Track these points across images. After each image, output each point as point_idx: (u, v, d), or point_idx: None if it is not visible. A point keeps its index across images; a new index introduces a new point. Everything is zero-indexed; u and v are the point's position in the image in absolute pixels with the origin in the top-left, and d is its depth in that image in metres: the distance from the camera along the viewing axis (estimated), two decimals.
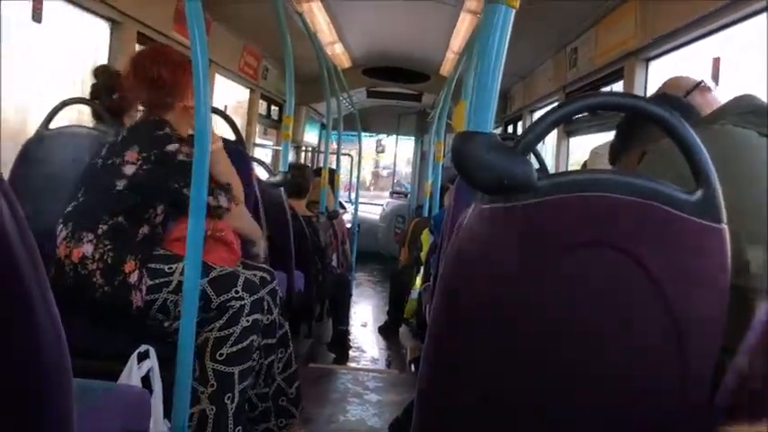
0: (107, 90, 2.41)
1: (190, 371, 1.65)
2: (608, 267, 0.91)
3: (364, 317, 5.59)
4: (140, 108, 2.07)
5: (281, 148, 3.98)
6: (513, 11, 0.89)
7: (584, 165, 2.92)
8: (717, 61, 2.49)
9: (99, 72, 2.51)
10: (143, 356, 1.67)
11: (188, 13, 1.53)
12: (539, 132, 0.88)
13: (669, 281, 0.91)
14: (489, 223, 0.90)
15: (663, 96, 1.59)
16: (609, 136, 1.66)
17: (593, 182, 0.88)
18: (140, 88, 1.98)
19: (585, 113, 4.02)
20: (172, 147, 1.87)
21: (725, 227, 0.89)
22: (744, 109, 1.26)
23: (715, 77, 2.47)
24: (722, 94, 1.61)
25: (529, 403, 0.95)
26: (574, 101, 0.91)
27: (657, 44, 2.97)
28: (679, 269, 0.91)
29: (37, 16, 2.53)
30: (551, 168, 4.18)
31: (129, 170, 1.84)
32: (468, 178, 0.88)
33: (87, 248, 1.81)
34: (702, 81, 1.69)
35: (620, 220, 0.89)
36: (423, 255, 4.33)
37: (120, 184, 1.84)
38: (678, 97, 1.55)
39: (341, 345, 4.16)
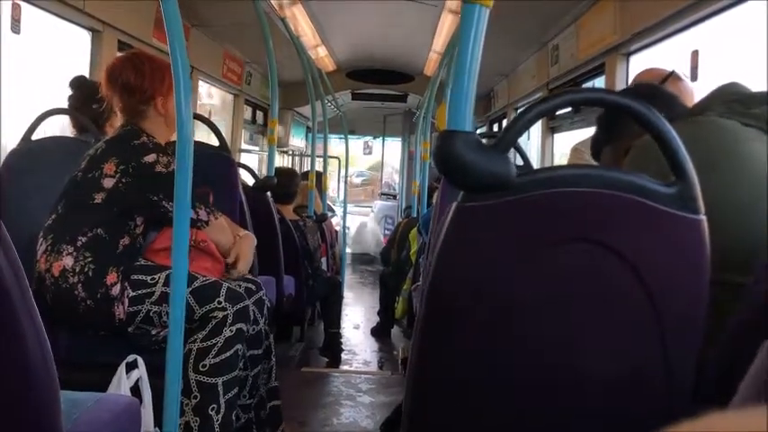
0: (86, 100, 2.40)
1: (179, 380, 1.64)
2: (588, 261, 0.92)
3: (356, 319, 5.59)
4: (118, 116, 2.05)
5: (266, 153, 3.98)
6: (488, 10, 0.90)
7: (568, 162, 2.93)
8: (695, 54, 2.51)
9: (74, 84, 2.49)
10: (131, 366, 1.66)
11: (165, 17, 1.52)
12: (516, 130, 0.89)
13: (650, 273, 0.91)
14: (469, 221, 0.91)
15: (646, 87, 1.60)
16: (591, 131, 1.67)
17: (571, 177, 0.89)
18: (114, 96, 1.96)
19: (568, 109, 4.05)
20: (149, 158, 1.84)
21: (703, 218, 0.90)
22: (730, 97, 1.25)
23: (694, 70, 2.49)
24: (701, 87, 1.63)
25: (515, 396, 0.95)
26: (550, 98, 0.92)
27: (637, 39, 3.00)
28: (659, 261, 0.92)
29: (15, 27, 2.51)
30: (537, 165, 4.21)
31: (107, 183, 1.82)
32: (448, 177, 0.89)
33: (68, 261, 1.79)
34: (674, 71, 1.71)
35: (599, 215, 0.90)
36: (412, 254, 4.33)
37: (99, 197, 1.82)
38: (658, 86, 1.56)
39: (333, 348, 4.16)
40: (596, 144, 1.53)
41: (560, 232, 0.90)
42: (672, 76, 1.69)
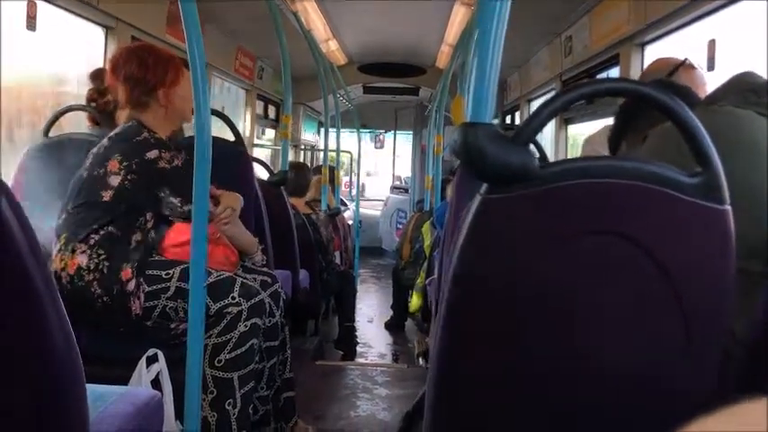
0: (101, 93, 2.41)
1: (199, 374, 1.65)
2: (611, 252, 0.91)
3: (370, 313, 5.60)
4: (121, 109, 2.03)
5: (279, 147, 3.99)
6: (509, 1, 0.90)
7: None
8: (712, 44, 2.49)
9: (94, 76, 2.51)
10: (151, 360, 1.68)
11: (183, 15, 1.53)
12: (539, 122, 0.88)
13: (674, 264, 0.91)
14: (493, 214, 0.90)
15: (659, 83, 1.59)
16: (604, 122, 1.66)
17: (594, 168, 0.88)
18: (118, 87, 1.96)
19: (582, 101, 4.02)
20: (151, 153, 1.85)
21: (728, 208, 0.89)
22: (744, 87, 1.25)
23: (711, 60, 2.47)
24: (718, 77, 1.61)
25: (541, 389, 0.95)
26: (572, 89, 0.91)
27: (652, 29, 2.97)
28: (683, 252, 0.91)
29: (31, 25, 2.53)
30: (551, 157, 4.19)
31: (113, 181, 1.83)
32: (470, 169, 0.88)
33: (82, 259, 1.80)
34: (686, 59, 1.69)
35: (622, 205, 0.90)
36: (426, 248, 4.33)
37: (107, 195, 1.83)
38: (669, 81, 1.55)
39: (348, 341, 4.18)
40: (615, 137, 1.52)
41: (584, 224, 0.90)
42: (683, 65, 1.67)
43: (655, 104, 0.91)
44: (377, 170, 13.02)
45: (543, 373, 0.95)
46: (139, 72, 1.93)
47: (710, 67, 2.44)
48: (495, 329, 0.95)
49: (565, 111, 4.41)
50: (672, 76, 1.63)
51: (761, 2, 2.12)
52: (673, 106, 0.89)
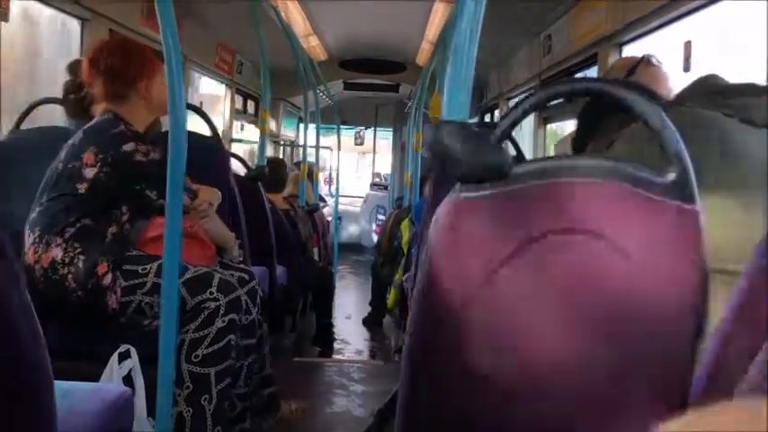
0: (78, 86, 2.37)
1: (172, 370, 1.64)
2: (584, 251, 0.92)
3: (348, 309, 5.60)
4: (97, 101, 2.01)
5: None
6: (484, 0, 0.90)
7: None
8: (688, 45, 2.51)
9: (71, 68, 2.47)
10: (124, 356, 1.66)
11: (159, 10, 1.51)
12: (512, 120, 0.88)
13: (646, 264, 0.92)
14: (466, 212, 0.90)
15: (621, 83, 1.59)
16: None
17: (567, 167, 0.88)
18: (95, 80, 1.94)
19: (561, 100, 4.05)
20: (127, 146, 1.83)
21: (698, 208, 0.90)
22: (709, 89, 1.26)
23: (687, 61, 2.49)
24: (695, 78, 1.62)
25: (516, 385, 0.96)
26: (545, 88, 0.91)
27: (630, 29, 2.99)
28: (655, 252, 0.92)
29: (3, 15, 2.48)
30: (530, 157, 4.20)
31: (89, 173, 1.81)
32: (443, 167, 0.88)
33: (57, 253, 1.78)
34: (643, 57, 1.70)
35: (595, 204, 0.90)
36: (404, 244, 4.34)
37: (82, 188, 1.80)
38: (626, 81, 1.55)
39: (325, 338, 4.17)
40: (579, 140, 1.52)
41: (557, 222, 0.90)
42: (642, 62, 1.68)
43: (623, 105, 0.91)
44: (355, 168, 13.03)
45: (516, 370, 0.96)
46: (121, 65, 1.92)
47: (686, 67, 2.47)
48: (467, 328, 0.95)
49: (544, 109, 4.44)
50: (633, 73, 1.64)
51: (736, 3, 2.15)
52: (642, 105, 0.90)
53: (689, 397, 0.94)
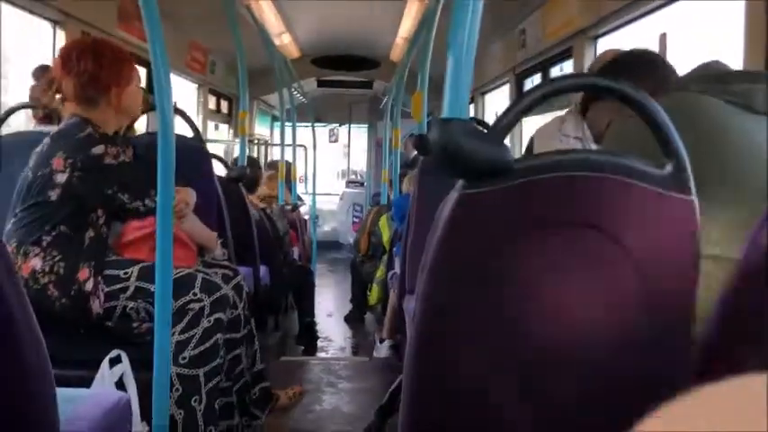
0: (49, 89, 2.33)
1: (168, 372, 1.63)
2: (584, 244, 0.94)
3: (329, 307, 5.59)
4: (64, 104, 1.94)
5: (234, 143, 3.94)
6: (482, 1, 0.91)
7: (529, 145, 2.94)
8: (663, 37, 2.56)
9: (38, 73, 2.42)
10: (114, 361, 1.65)
11: (144, 14, 1.50)
12: (513, 117, 0.90)
13: (643, 254, 0.94)
14: (470, 209, 0.92)
15: (643, 55, 1.58)
16: (553, 115, 1.69)
17: (569, 162, 0.90)
18: (67, 81, 1.89)
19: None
20: (97, 149, 1.78)
21: (694, 198, 0.93)
22: (710, 76, 1.26)
23: (662, 53, 2.53)
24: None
25: (518, 379, 0.97)
26: (547, 83, 0.93)
27: (604, 22, 3.04)
28: (652, 243, 0.94)
29: None
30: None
31: (60, 179, 1.77)
32: (448, 165, 0.89)
33: (36, 262, 1.75)
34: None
35: (594, 198, 0.92)
36: (385, 242, 4.35)
37: (54, 194, 1.77)
38: (656, 54, 1.55)
39: (309, 337, 4.16)
40: (585, 101, 1.54)
41: (557, 216, 0.92)
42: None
43: (621, 97, 0.93)
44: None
45: (519, 364, 0.97)
46: (94, 69, 1.87)
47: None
48: (471, 322, 0.96)
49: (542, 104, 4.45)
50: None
51: None
52: (639, 99, 0.92)
53: (682, 382, 0.96)
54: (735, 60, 1.95)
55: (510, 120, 0.90)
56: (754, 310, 0.78)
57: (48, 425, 0.99)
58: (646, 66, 1.46)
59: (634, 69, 1.41)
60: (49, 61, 3.01)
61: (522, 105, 0.90)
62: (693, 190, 0.92)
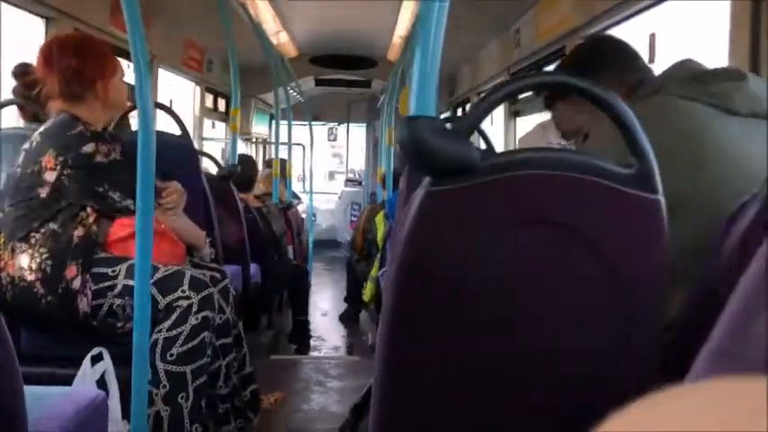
0: (31, 87, 2.31)
1: (146, 371, 1.63)
2: (553, 242, 0.93)
3: (324, 306, 5.59)
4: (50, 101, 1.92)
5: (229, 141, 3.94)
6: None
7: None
8: (653, 37, 2.55)
9: (18, 71, 2.40)
10: (96, 359, 1.65)
11: (125, 8, 1.49)
12: (478, 114, 0.90)
13: (612, 253, 0.94)
14: (436, 206, 0.91)
15: (605, 40, 1.56)
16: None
17: (533, 160, 0.90)
18: (51, 78, 1.87)
19: (530, 93, 4.07)
20: (87, 148, 1.78)
21: (661, 198, 0.92)
22: (686, 74, 1.25)
23: (651, 52, 2.53)
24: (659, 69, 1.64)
25: (487, 377, 0.97)
26: (513, 81, 0.93)
27: (596, 22, 3.03)
28: (620, 241, 0.94)
29: None
30: (501, 149, 4.23)
31: (49, 176, 1.77)
32: (413, 162, 0.89)
33: (23, 259, 1.75)
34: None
35: (561, 196, 0.92)
36: (379, 240, 4.34)
37: (44, 192, 1.76)
38: (620, 41, 1.55)
39: (301, 335, 4.16)
40: (550, 98, 1.52)
41: (525, 215, 0.92)
42: None
43: (589, 97, 0.93)
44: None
45: (488, 361, 0.97)
46: (77, 64, 1.86)
47: (651, 59, 2.51)
48: (440, 320, 0.96)
49: (513, 103, 4.47)
50: None
51: None
52: (606, 98, 0.91)
53: (652, 379, 0.96)
54: (721, 61, 1.95)
55: (475, 117, 0.90)
56: (714, 316, 0.77)
57: (14, 422, 0.98)
58: (607, 53, 1.44)
59: (597, 60, 1.39)
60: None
61: (487, 104, 0.89)
62: (660, 189, 0.92)
